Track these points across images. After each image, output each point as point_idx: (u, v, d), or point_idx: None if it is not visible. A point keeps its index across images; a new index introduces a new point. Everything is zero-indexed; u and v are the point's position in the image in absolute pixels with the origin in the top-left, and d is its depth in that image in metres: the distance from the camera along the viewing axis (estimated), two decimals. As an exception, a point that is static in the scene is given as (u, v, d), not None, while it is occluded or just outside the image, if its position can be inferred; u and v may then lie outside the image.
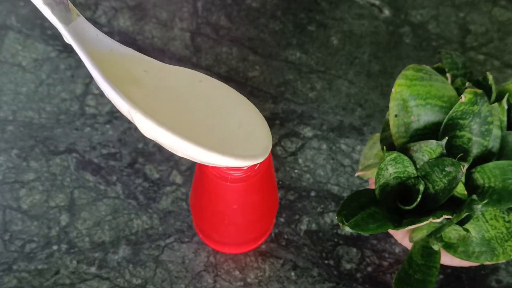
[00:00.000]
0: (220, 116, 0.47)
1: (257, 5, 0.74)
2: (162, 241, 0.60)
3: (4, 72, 0.69)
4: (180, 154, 0.44)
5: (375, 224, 0.50)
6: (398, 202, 0.53)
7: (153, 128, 0.42)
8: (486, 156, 0.52)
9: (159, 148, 0.65)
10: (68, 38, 0.44)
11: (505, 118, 0.53)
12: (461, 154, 0.51)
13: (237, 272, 0.59)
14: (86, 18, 0.72)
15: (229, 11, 0.73)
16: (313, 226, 0.62)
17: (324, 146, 0.66)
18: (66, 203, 0.62)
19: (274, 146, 0.66)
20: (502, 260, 0.51)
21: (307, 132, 0.66)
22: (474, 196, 0.48)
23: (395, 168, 0.52)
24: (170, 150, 0.44)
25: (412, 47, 0.71)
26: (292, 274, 0.59)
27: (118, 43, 0.47)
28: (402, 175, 0.52)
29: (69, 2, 0.45)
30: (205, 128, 0.46)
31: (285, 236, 0.61)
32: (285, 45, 0.71)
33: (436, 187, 0.51)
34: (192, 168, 0.64)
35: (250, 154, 0.45)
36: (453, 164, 0.50)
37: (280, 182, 0.64)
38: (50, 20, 0.44)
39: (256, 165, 0.50)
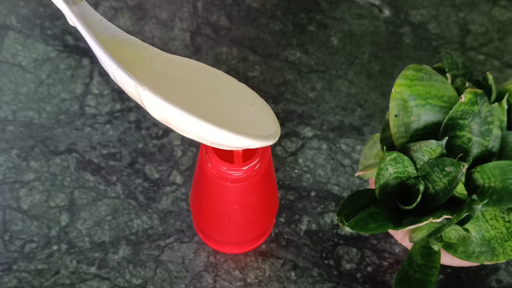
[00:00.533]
0: (229, 103, 0.46)
1: (257, 5, 0.74)
2: (162, 241, 0.60)
3: (4, 72, 0.69)
4: (190, 135, 0.42)
5: (375, 224, 0.50)
6: (398, 202, 0.53)
7: (162, 105, 0.41)
8: (486, 156, 0.52)
9: (159, 148, 0.65)
10: (72, 19, 0.42)
11: (505, 118, 0.53)
12: (461, 154, 0.51)
13: (237, 272, 0.59)
14: (86, 18, 0.72)
15: (229, 11, 0.73)
16: (313, 226, 0.62)
17: (324, 146, 0.66)
18: (66, 203, 0.62)
19: (274, 146, 0.66)
20: (502, 260, 0.51)
21: (307, 132, 0.66)
22: (474, 196, 0.48)
23: (395, 168, 0.52)
24: (179, 131, 0.42)
25: (412, 47, 0.71)
26: (292, 274, 0.59)
27: (122, 31, 0.46)
28: (402, 175, 0.52)
29: None
30: (215, 112, 0.44)
31: (285, 236, 0.61)
32: (285, 45, 0.71)
33: (436, 187, 0.51)
34: (192, 168, 0.64)
35: (261, 135, 0.44)
36: (453, 164, 0.50)
37: (280, 182, 0.64)
38: (55, 2, 0.42)
39: (256, 165, 0.50)
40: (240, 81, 0.69)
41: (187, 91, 0.46)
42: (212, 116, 0.43)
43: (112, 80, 0.68)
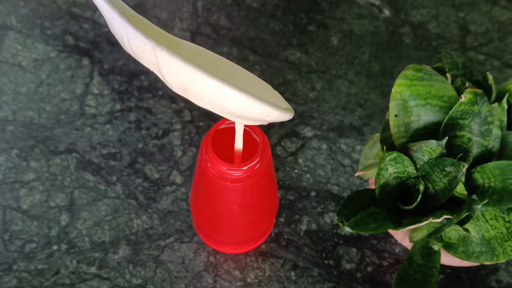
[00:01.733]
0: (247, 81, 0.46)
1: (257, 5, 0.74)
2: (162, 241, 0.60)
3: (4, 72, 0.69)
4: (208, 104, 0.40)
5: (375, 224, 0.50)
6: (398, 202, 0.53)
7: (181, 66, 0.39)
8: (486, 156, 0.52)
9: (159, 148, 0.65)
10: None
11: (505, 118, 0.53)
12: (461, 154, 0.51)
13: (237, 272, 0.59)
14: (86, 18, 0.72)
15: (229, 11, 0.73)
16: (313, 226, 0.62)
17: (324, 146, 0.66)
18: (66, 203, 0.62)
19: (274, 146, 0.66)
20: (502, 260, 0.51)
21: (307, 132, 0.66)
22: (474, 196, 0.48)
23: (395, 168, 0.52)
24: (197, 99, 0.40)
25: (412, 47, 0.71)
26: (292, 274, 0.59)
27: (131, 9, 0.44)
28: (402, 175, 0.52)
29: None
30: (235, 82, 0.42)
31: (285, 236, 0.61)
32: (285, 45, 0.71)
33: (436, 187, 0.51)
34: (192, 168, 0.64)
35: (281, 106, 0.43)
36: (453, 164, 0.50)
37: (280, 182, 0.64)
38: None
39: (256, 165, 0.50)
40: (240, 81, 0.69)
41: (208, 63, 0.44)
42: (233, 82, 0.41)
43: (112, 80, 0.68)
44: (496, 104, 0.52)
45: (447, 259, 0.54)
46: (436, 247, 0.51)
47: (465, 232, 0.50)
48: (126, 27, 0.40)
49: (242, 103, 0.40)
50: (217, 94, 0.40)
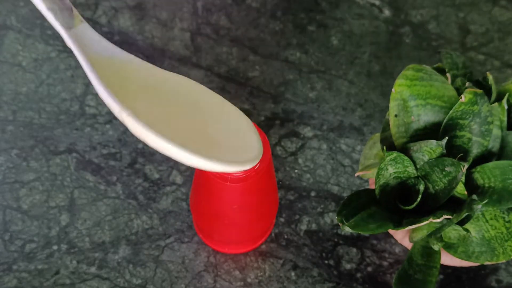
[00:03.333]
0: (213, 123, 0.48)
1: (257, 5, 0.74)
2: (162, 241, 0.60)
3: (4, 72, 0.69)
4: (171, 157, 0.45)
5: (375, 224, 0.50)
6: (398, 202, 0.53)
7: (143, 131, 0.44)
8: (486, 156, 0.52)
9: (159, 148, 0.65)
10: (68, 42, 0.45)
11: (505, 118, 0.53)
12: (461, 154, 0.51)
13: (237, 272, 0.59)
14: (86, 18, 0.72)
15: (229, 11, 0.73)
16: (313, 226, 0.62)
17: (324, 146, 0.66)
18: (66, 203, 0.62)
19: (274, 146, 0.66)
20: (502, 260, 0.51)
21: (307, 132, 0.66)
22: (474, 196, 0.48)
23: (395, 168, 0.52)
24: (161, 152, 0.45)
25: (412, 47, 0.71)
26: (292, 274, 0.59)
27: (121, 50, 0.47)
28: (402, 175, 0.52)
29: (73, 8, 0.45)
30: (196, 133, 0.47)
31: (285, 236, 0.61)
32: (285, 45, 0.71)
33: (436, 187, 0.51)
34: (192, 168, 0.64)
35: (238, 160, 0.46)
36: (453, 164, 0.50)
37: (280, 182, 0.64)
38: (52, 25, 0.44)
39: (256, 165, 0.50)
40: (240, 81, 0.69)
41: (173, 107, 0.48)
42: (193, 134, 0.46)
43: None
44: (496, 104, 0.52)
45: (447, 259, 0.54)
46: (436, 247, 0.51)
47: (465, 232, 0.50)
48: (99, 87, 0.44)
49: (197, 164, 0.45)
50: (177, 156, 0.44)
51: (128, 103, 0.44)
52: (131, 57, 0.48)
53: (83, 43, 0.45)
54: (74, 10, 0.46)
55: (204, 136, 0.47)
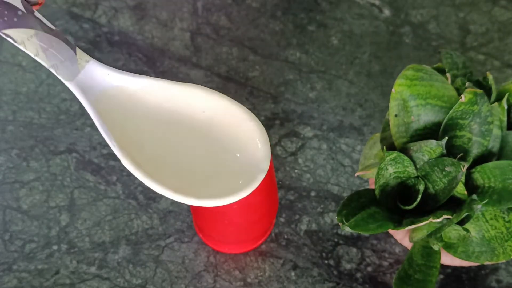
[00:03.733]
0: (225, 143, 0.49)
1: (257, 5, 0.74)
2: (162, 241, 0.60)
3: (4, 72, 0.69)
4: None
5: (375, 224, 0.50)
6: (398, 202, 0.53)
7: (136, 174, 0.46)
8: (486, 156, 0.52)
9: (159, 148, 0.65)
10: (72, 90, 0.46)
11: (505, 118, 0.53)
12: (461, 154, 0.51)
13: (237, 272, 0.59)
14: (86, 18, 0.72)
15: (229, 11, 0.73)
16: (313, 226, 0.62)
17: (324, 146, 0.66)
18: (66, 203, 0.62)
19: (274, 146, 0.66)
20: (502, 260, 0.51)
21: (307, 132, 0.66)
22: (474, 196, 0.48)
23: (395, 168, 0.52)
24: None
25: (412, 47, 0.71)
26: (292, 274, 0.59)
27: (132, 75, 0.47)
28: (402, 175, 0.52)
29: (76, 50, 0.46)
30: (204, 159, 0.48)
31: (285, 236, 0.61)
32: (285, 45, 0.71)
33: (436, 187, 0.51)
34: (192, 168, 0.64)
35: (228, 193, 0.47)
36: (453, 164, 0.50)
37: (280, 182, 0.64)
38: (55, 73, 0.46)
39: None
40: (240, 81, 0.69)
41: (187, 133, 0.49)
42: (204, 161, 0.48)
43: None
44: (496, 104, 0.52)
45: (447, 259, 0.54)
46: (436, 247, 0.51)
47: (465, 232, 0.50)
48: (100, 129, 0.46)
49: (189, 202, 0.46)
50: (169, 196, 0.46)
51: (134, 136, 0.46)
52: (143, 80, 0.48)
53: (89, 85, 0.46)
54: (78, 52, 0.46)
55: (213, 161, 0.48)
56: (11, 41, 0.43)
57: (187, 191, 0.46)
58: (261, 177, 0.47)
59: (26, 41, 0.44)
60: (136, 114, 0.48)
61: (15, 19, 0.43)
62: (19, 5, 0.44)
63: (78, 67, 0.46)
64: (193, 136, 0.49)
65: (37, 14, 0.44)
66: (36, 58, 0.44)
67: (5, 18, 0.43)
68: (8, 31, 0.43)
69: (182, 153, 0.48)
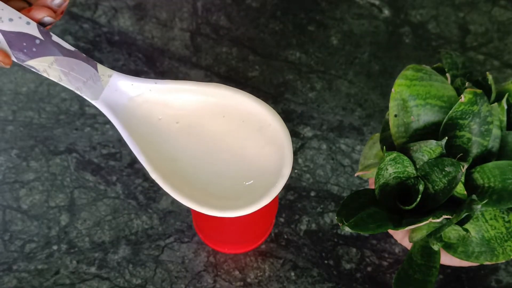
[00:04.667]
0: (252, 145, 0.48)
1: (257, 5, 0.74)
2: (162, 241, 0.60)
3: (4, 72, 0.69)
4: None
5: (375, 224, 0.50)
6: (398, 202, 0.53)
7: (166, 189, 0.46)
8: (486, 156, 0.52)
9: (159, 148, 0.65)
10: (100, 109, 0.46)
11: (504, 118, 0.53)
12: (461, 154, 0.51)
13: (237, 272, 0.59)
14: (86, 18, 0.72)
15: (229, 11, 0.73)
16: (313, 226, 0.62)
17: (324, 146, 0.66)
18: (66, 203, 0.62)
19: (274, 146, 0.66)
20: (502, 260, 0.51)
21: (307, 132, 0.66)
22: (474, 196, 0.48)
23: (395, 168, 0.52)
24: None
25: (412, 47, 0.71)
26: (292, 274, 0.60)
27: (155, 81, 0.47)
28: (402, 175, 0.52)
29: (97, 66, 0.45)
30: (230, 166, 0.48)
31: (285, 236, 0.61)
32: (285, 45, 0.71)
33: (436, 187, 0.51)
34: (192, 168, 0.64)
35: (249, 204, 0.47)
36: (453, 164, 0.50)
37: (280, 182, 0.64)
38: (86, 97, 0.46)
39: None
40: (240, 81, 0.69)
41: (214, 138, 0.49)
42: (229, 168, 0.48)
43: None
44: (495, 104, 0.52)
45: (447, 259, 0.54)
46: (436, 247, 0.51)
47: (464, 232, 0.50)
48: (133, 150, 0.46)
49: (216, 214, 0.46)
50: (190, 206, 0.47)
51: (159, 147, 0.46)
52: (168, 84, 0.48)
53: (115, 100, 0.46)
54: (100, 68, 0.45)
55: (233, 168, 0.48)
56: (34, 70, 0.43)
57: (211, 203, 0.46)
58: (282, 182, 0.47)
59: (48, 68, 0.44)
60: (160, 122, 0.48)
61: (34, 49, 0.43)
62: (36, 33, 0.43)
63: (102, 84, 0.46)
64: (214, 143, 0.49)
65: (54, 37, 0.44)
66: (60, 83, 0.44)
67: (25, 50, 0.43)
68: (29, 62, 0.43)
69: (203, 160, 0.48)
